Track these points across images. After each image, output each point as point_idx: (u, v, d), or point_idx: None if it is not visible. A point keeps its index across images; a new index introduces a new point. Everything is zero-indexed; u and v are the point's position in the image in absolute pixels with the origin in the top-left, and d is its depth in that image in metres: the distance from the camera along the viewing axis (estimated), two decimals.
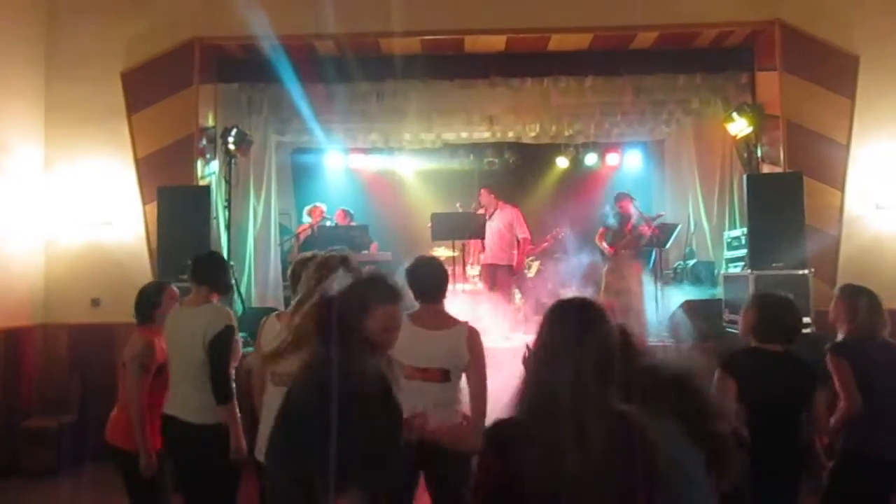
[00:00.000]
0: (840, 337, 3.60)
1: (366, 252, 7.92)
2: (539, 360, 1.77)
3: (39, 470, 6.02)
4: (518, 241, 8.24)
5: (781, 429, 2.96)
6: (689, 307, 6.43)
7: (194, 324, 3.50)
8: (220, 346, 3.47)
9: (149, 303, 3.84)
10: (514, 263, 8.26)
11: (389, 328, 2.22)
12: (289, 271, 3.37)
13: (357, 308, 2.15)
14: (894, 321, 3.67)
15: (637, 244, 7.80)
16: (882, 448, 3.33)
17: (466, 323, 3.26)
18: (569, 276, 8.56)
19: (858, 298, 3.56)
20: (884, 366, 3.39)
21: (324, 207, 8.70)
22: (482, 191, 8.40)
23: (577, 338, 1.75)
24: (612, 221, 7.97)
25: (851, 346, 3.47)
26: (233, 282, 3.71)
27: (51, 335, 6.63)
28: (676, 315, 6.48)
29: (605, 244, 8.00)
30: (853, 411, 3.36)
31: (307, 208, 8.81)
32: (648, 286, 7.64)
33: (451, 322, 3.26)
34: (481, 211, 8.24)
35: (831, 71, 6.59)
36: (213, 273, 3.71)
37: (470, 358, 3.15)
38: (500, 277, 8.12)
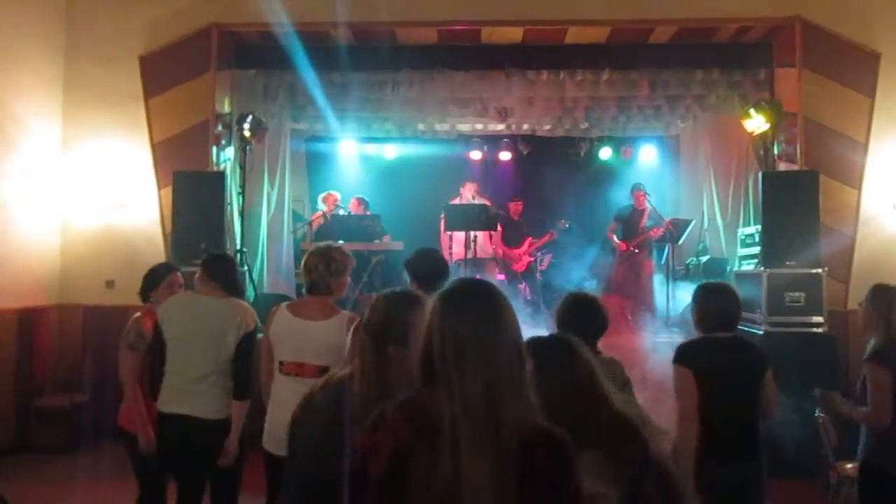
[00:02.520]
0: (872, 342, 3.39)
1: (378, 241, 7.95)
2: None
3: (51, 448, 6.11)
4: (490, 236, 8.26)
5: (739, 412, 2.99)
6: None
7: (221, 317, 3.43)
8: (250, 345, 3.44)
9: (147, 284, 3.89)
10: (496, 256, 8.29)
11: None
12: (302, 261, 3.38)
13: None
14: None
15: (648, 244, 7.79)
16: None
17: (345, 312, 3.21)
18: (579, 269, 8.59)
19: (892, 298, 3.35)
20: None
21: (338, 195, 8.73)
22: (466, 183, 8.41)
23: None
24: (625, 214, 7.94)
25: (892, 354, 3.26)
26: (241, 282, 3.66)
27: (66, 316, 6.71)
28: (688, 311, 6.46)
29: (615, 238, 7.98)
30: (881, 424, 3.23)
31: (321, 195, 8.84)
32: (660, 282, 7.64)
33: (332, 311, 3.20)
34: (457, 200, 8.24)
35: (851, 68, 6.52)
36: (227, 273, 3.67)
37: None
38: (488, 271, 8.14)
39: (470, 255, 7.63)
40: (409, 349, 1.92)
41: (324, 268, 3.23)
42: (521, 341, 1.61)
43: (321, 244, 3.39)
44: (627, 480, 1.73)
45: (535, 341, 1.88)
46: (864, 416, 3.31)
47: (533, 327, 8.31)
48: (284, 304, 3.41)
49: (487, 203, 8.26)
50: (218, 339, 3.39)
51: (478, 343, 1.52)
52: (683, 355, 3.05)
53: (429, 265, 3.38)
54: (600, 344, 2.92)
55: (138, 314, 3.85)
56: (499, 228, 8.43)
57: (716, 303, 3.16)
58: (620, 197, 8.93)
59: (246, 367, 3.44)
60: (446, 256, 8.27)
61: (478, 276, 8.22)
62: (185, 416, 3.37)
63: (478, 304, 1.59)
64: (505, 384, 1.51)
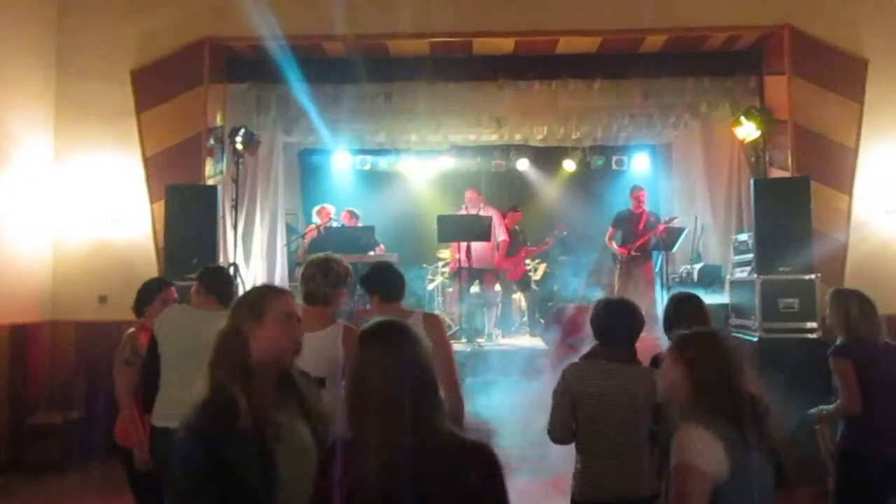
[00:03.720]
0: (840, 341, 3.60)
1: (372, 253, 7.94)
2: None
3: (44, 466, 6.05)
4: (498, 245, 8.24)
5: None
6: None
7: (214, 327, 3.42)
8: None
9: (141, 299, 3.87)
10: (495, 265, 8.25)
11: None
12: (300, 271, 3.37)
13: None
14: None
15: (648, 245, 7.76)
16: (878, 449, 3.37)
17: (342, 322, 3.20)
18: (575, 278, 8.58)
19: (849, 303, 3.55)
20: (878, 365, 3.42)
21: (332, 208, 8.71)
22: (469, 191, 8.39)
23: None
24: (623, 218, 7.88)
25: (853, 348, 3.49)
26: (237, 294, 3.64)
27: (58, 332, 6.67)
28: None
29: (614, 245, 7.94)
30: (853, 412, 3.41)
31: (316, 208, 8.83)
32: (657, 288, 7.63)
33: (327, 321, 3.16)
34: (463, 211, 8.23)
35: (840, 75, 6.57)
36: (223, 285, 3.67)
37: (345, 360, 2.99)
38: (487, 280, 8.12)
39: (467, 266, 7.61)
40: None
41: (321, 278, 3.18)
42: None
43: (320, 254, 3.36)
44: None
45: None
46: (838, 408, 3.50)
47: (529, 337, 8.34)
48: None
49: (493, 210, 8.25)
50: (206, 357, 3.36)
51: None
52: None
53: (387, 279, 3.38)
54: None
55: (132, 329, 3.83)
56: (503, 238, 8.40)
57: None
58: (615, 205, 8.93)
59: None
60: (453, 264, 8.35)
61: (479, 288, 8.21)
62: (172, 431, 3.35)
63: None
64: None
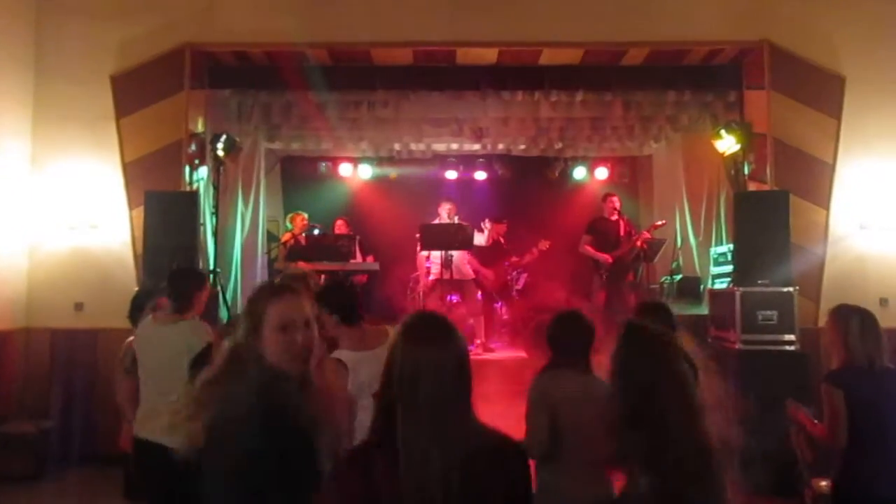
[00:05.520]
0: (835, 364, 3.34)
1: (354, 261, 7.92)
2: None
3: (17, 476, 5.91)
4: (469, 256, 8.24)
5: None
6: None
7: (173, 341, 3.44)
8: (202, 365, 3.41)
9: (134, 307, 3.84)
10: (472, 277, 8.24)
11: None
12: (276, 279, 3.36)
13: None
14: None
15: (631, 253, 7.75)
16: (878, 488, 3.14)
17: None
18: (557, 287, 8.59)
19: (850, 320, 3.28)
20: (878, 397, 3.16)
21: (305, 216, 8.64)
22: (442, 203, 8.37)
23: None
24: (599, 225, 7.85)
25: (846, 375, 3.23)
26: (192, 290, 3.62)
27: (33, 339, 6.55)
28: None
29: (591, 251, 7.79)
30: (835, 446, 3.20)
31: (289, 216, 8.77)
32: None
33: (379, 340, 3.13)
34: (437, 221, 8.21)
35: (818, 91, 6.66)
36: (176, 287, 3.67)
37: None
38: (467, 291, 8.10)
39: (447, 276, 7.59)
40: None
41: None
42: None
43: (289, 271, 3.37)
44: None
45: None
46: (819, 434, 3.30)
47: (510, 347, 8.35)
48: None
49: (464, 224, 8.24)
50: (168, 365, 3.39)
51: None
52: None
53: (341, 297, 3.34)
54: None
55: (132, 338, 3.80)
56: (488, 243, 8.39)
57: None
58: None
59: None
60: (422, 277, 8.32)
61: (455, 298, 8.21)
62: (142, 441, 3.42)
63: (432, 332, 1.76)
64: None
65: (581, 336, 3.01)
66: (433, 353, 1.69)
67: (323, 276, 7.81)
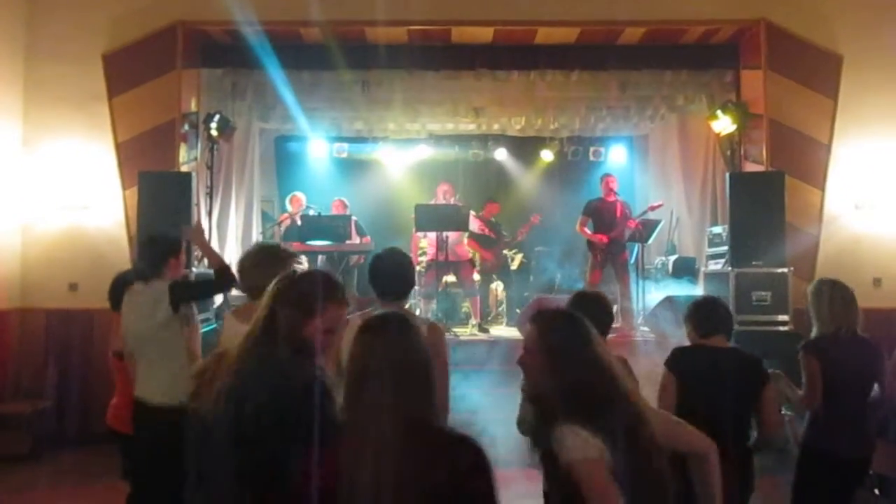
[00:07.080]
0: (813, 334, 3.60)
1: (349, 241, 7.91)
2: None
3: (13, 455, 5.93)
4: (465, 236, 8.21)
5: None
6: (671, 303, 6.46)
7: (141, 303, 3.57)
8: (179, 288, 3.62)
9: (119, 290, 3.85)
10: (467, 258, 8.22)
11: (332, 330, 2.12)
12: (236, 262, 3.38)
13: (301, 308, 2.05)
14: (871, 320, 3.68)
15: (625, 234, 7.72)
16: (839, 446, 3.38)
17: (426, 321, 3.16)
18: (552, 268, 8.59)
19: (821, 291, 3.54)
20: (845, 363, 3.40)
21: (303, 197, 8.61)
22: (442, 184, 8.32)
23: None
24: (596, 206, 7.81)
25: (822, 344, 3.48)
26: (167, 260, 3.69)
27: (27, 319, 6.55)
28: (658, 310, 6.52)
29: (587, 232, 7.76)
30: (810, 406, 3.44)
31: (288, 197, 8.75)
32: (632, 279, 7.67)
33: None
34: (433, 202, 8.17)
35: (814, 71, 6.64)
36: (142, 257, 3.83)
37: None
38: (463, 272, 8.09)
39: (442, 258, 7.58)
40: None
41: (251, 267, 3.14)
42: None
43: (260, 243, 3.34)
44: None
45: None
46: (799, 399, 3.52)
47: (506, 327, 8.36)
48: (230, 311, 3.37)
49: (460, 205, 8.21)
50: (136, 326, 3.55)
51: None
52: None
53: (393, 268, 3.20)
54: None
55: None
56: (478, 228, 8.37)
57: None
58: (591, 196, 8.92)
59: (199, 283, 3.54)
60: (414, 259, 8.29)
61: (451, 279, 8.20)
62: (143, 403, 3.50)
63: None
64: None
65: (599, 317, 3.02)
66: (380, 343, 1.79)
67: (319, 257, 7.85)
